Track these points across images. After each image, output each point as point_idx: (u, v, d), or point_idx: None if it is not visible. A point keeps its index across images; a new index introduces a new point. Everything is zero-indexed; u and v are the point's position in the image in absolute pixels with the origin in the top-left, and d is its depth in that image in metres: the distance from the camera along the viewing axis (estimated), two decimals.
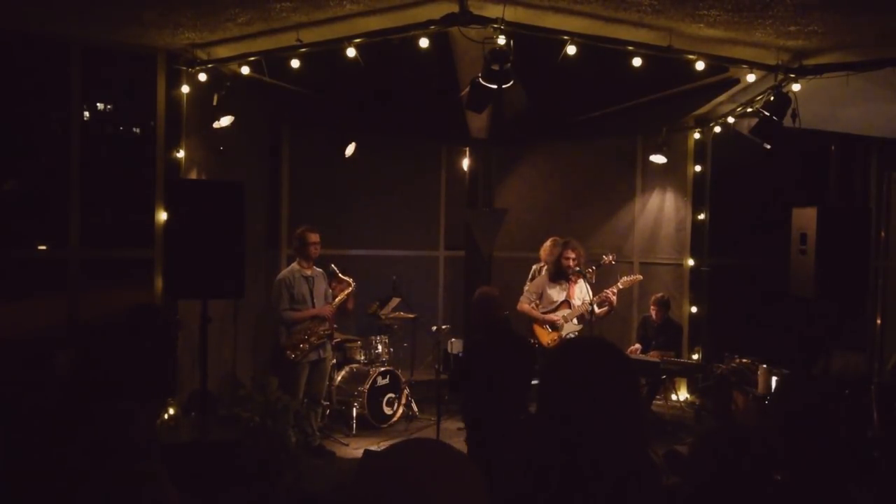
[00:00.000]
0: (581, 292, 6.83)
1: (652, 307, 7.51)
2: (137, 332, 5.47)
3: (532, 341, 7.05)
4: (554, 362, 1.71)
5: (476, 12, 5.17)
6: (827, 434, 2.34)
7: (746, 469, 1.98)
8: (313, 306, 6.34)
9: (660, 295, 7.55)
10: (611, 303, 6.77)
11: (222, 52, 6.00)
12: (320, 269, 6.57)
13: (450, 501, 1.22)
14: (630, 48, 5.55)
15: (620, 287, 6.89)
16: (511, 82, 5.22)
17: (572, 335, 6.67)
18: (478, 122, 7.29)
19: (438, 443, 1.35)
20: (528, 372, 4.55)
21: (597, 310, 6.70)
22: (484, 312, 4.69)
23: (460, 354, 4.63)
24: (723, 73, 6.29)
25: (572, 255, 6.68)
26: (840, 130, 7.86)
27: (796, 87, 5.76)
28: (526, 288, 7.25)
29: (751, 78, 6.02)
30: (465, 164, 7.75)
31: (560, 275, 6.80)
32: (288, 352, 6.21)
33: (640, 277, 7.50)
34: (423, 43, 5.41)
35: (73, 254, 5.87)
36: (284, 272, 6.43)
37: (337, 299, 6.55)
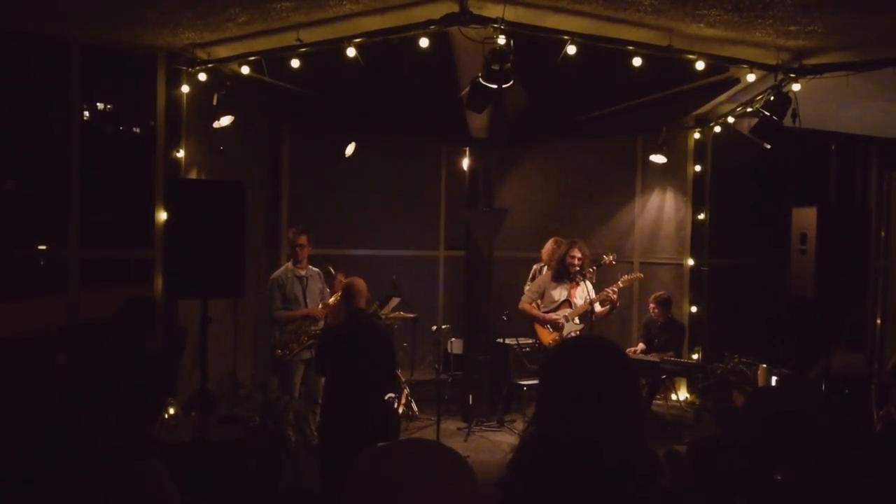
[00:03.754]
0: (583, 293, 6.82)
1: (652, 305, 7.50)
2: (138, 329, 5.47)
3: (533, 341, 7.06)
4: (553, 361, 1.71)
5: (476, 12, 5.17)
6: (821, 434, 2.34)
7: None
8: (306, 306, 6.38)
9: (660, 293, 7.53)
10: (612, 301, 6.77)
11: (222, 51, 6.00)
12: (316, 269, 6.60)
13: (445, 500, 1.22)
14: (630, 48, 5.55)
15: (621, 286, 6.89)
16: (511, 82, 5.22)
17: (574, 334, 6.67)
18: (478, 122, 7.28)
19: (434, 443, 1.35)
20: (381, 357, 4.83)
21: (598, 308, 6.69)
22: (345, 301, 5.00)
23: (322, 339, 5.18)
24: (723, 72, 6.28)
25: (578, 255, 6.68)
26: (840, 130, 7.86)
27: (796, 87, 5.76)
28: (527, 287, 7.24)
29: (751, 78, 6.02)
30: (465, 164, 7.74)
31: (563, 274, 6.80)
32: (278, 350, 6.27)
33: (641, 275, 7.50)
34: (423, 43, 5.41)
35: (73, 254, 5.87)
36: (277, 272, 6.50)
37: (330, 299, 6.57)
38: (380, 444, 1.34)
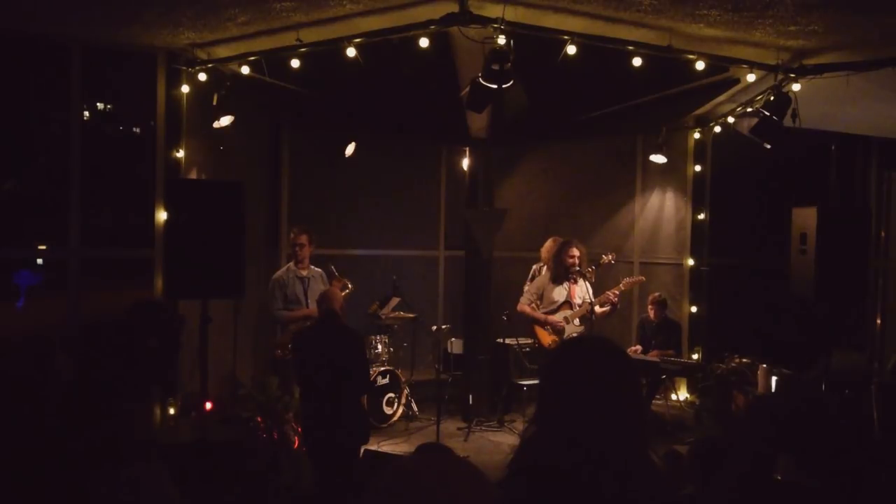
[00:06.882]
0: (582, 291, 6.82)
1: (650, 307, 7.51)
2: (140, 329, 5.46)
3: (533, 342, 7.06)
4: (554, 361, 1.71)
5: (476, 12, 5.16)
6: (821, 434, 2.34)
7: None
8: (307, 307, 6.36)
9: (657, 294, 7.55)
10: (613, 304, 6.76)
11: (222, 51, 6.00)
12: (319, 270, 6.60)
13: None
14: (630, 48, 5.55)
15: (623, 288, 6.88)
16: (511, 82, 5.21)
17: (573, 335, 6.66)
18: (478, 122, 7.28)
19: (455, 456, 1.34)
20: (347, 357, 4.83)
21: (598, 309, 6.69)
22: (318, 305, 5.10)
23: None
24: (723, 72, 6.28)
25: (575, 253, 6.67)
26: (840, 130, 7.86)
27: (796, 87, 5.76)
28: (526, 288, 7.24)
29: (751, 78, 6.02)
30: (465, 164, 7.74)
31: (562, 274, 6.79)
32: (278, 350, 6.27)
33: (643, 279, 7.50)
34: (423, 43, 5.41)
35: (73, 254, 5.87)
36: (279, 272, 6.49)
37: None
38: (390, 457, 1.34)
